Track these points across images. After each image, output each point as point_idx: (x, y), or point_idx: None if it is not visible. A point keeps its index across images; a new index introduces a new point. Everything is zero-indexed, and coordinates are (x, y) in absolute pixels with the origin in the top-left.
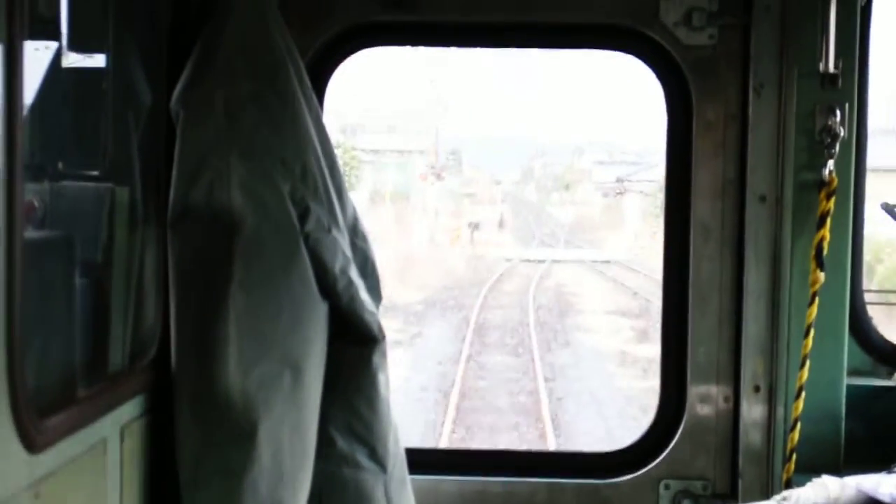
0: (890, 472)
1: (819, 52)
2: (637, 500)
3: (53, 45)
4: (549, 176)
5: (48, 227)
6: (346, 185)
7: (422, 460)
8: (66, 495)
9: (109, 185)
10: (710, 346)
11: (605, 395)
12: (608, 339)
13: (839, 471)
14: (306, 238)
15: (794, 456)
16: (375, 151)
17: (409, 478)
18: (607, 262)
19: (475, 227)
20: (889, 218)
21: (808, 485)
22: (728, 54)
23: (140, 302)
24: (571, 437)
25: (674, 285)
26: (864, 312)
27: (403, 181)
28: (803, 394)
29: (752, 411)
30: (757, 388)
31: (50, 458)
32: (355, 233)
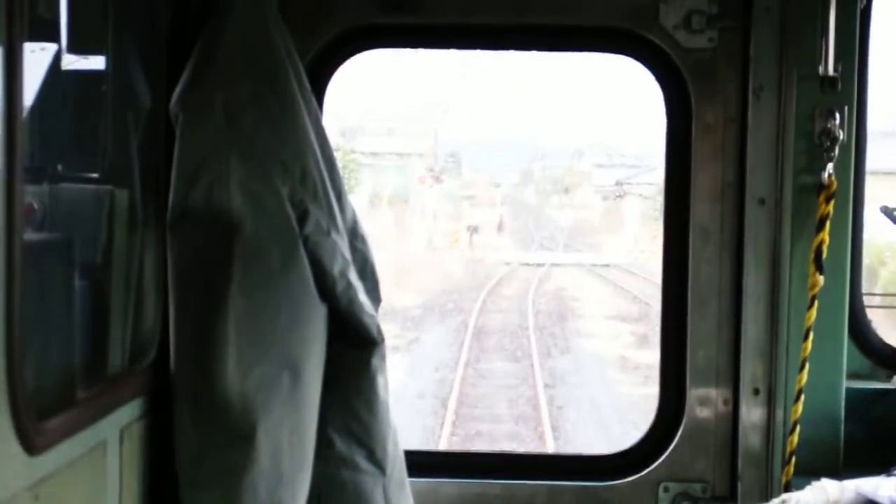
0: (889, 475)
1: (819, 54)
2: (636, 503)
3: (53, 46)
4: (548, 179)
5: (48, 229)
6: (346, 187)
7: (421, 462)
8: (65, 497)
9: (109, 186)
10: (710, 348)
11: (607, 402)
12: (609, 345)
13: (838, 474)
14: (305, 240)
15: (794, 459)
16: (374, 154)
17: (407, 480)
18: (607, 265)
19: (474, 230)
20: (888, 221)
21: (808, 488)
22: (727, 57)
23: (139, 303)
24: (572, 446)
25: (673, 288)
26: (864, 315)
27: (402, 184)
28: (802, 397)
29: (752, 414)
30: (756, 391)
31: (49, 459)
32: (354, 235)
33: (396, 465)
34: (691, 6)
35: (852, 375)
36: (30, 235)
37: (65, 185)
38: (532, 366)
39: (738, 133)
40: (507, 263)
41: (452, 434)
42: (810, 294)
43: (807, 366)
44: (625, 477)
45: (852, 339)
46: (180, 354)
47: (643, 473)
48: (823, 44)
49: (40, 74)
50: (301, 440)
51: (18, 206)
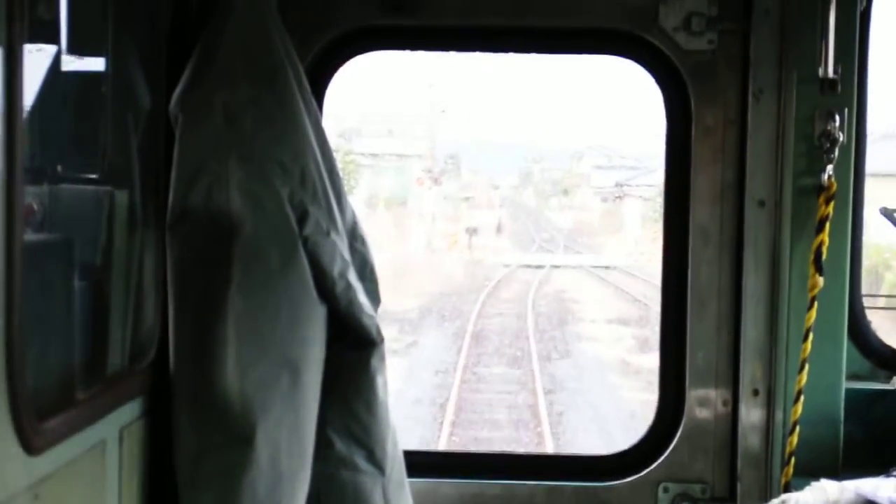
0: (888, 475)
1: (818, 57)
2: (636, 503)
3: (53, 47)
4: (547, 180)
5: (47, 229)
6: (345, 188)
7: (420, 463)
8: (65, 497)
9: (108, 187)
10: (709, 349)
11: (608, 408)
12: (609, 348)
13: (838, 474)
14: (305, 241)
15: (793, 459)
16: (374, 155)
17: (407, 480)
18: (607, 267)
19: (473, 232)
20: (888, 223)
21: (807, 488)
22: (727, 59)
23: (139, 304)
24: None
25: (673, 289)
26: (863, 317)
27: (401, 186)
28: (802, 398)
29: (751, 415)
30: (756, 392)
31: (49, 459)
32: (354, 236)
33: (396, 466)
34: (691, 8)
35: (852, 376)
36: (29, 236)
37: (64, 186)
38: (532, 370)
39: (737, 135)
40: (506, 265)
41: (449, 442)
42: (810, 295)
43: (806, 367)
44: (624, 477)
45: (852, 340)
46: (180, 355)
47: (643, 474)
48: (823, 46)
49: (40, 75)
50: (300, 440)
51: (18, 207)
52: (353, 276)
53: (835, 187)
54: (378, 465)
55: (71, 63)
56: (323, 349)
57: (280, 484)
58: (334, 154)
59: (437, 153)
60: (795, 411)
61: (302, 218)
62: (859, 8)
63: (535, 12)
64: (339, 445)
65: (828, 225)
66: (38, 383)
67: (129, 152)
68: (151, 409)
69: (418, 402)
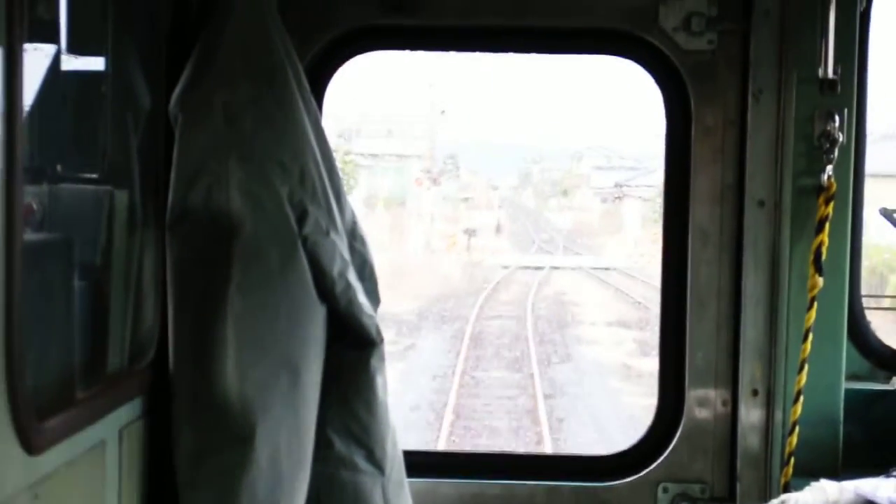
0: (888, 475)
1: (818, 57)
2: (635, 503)
3: (52, 47)
4: (547, 181)
5: (47, 229)
6: (345, 188)
7: (420, 463)
8: (64, 497)
9: (108, 187)
10: (709, 350)
11: (609, 414)
12: (610, 352)
13: (837, 475)
14: (304, 241)
15: (793, 460)
16: (373, 156)
17: (406, 480)
18: (606, 269)
19: (472, 233)
20: (888, 223)
21: (807, 489)
22: (727, 59)
23: (138, 304)
24: None
25: (672, 290)
26: (863, 317)
27: (400, 186)
28: (801, 398)
29: (751, 415)
30: (755, 392)
31: (49, 459)
32: (354, 236)
33: (395, 466)
34: (691, 8)
35: (851, 377)
36: (29, 236)
37: (64, 186)
38: (531, 375)
39: (737, 135)
40: (505, 267)
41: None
42: (809, 295)
43: (806, 367)
44: (624, 477)
45: (851, 340)
46: (179, 355)
47: (642, 474)
48: (823, 46)
49: (40, 75)
50: (300, 441)
51: (18, 207)
52: (352, 276)
53: (834, 188)
54: (378, 464)
55: (71, 63)
56: (322, 349)
57: (280, 484)
58: (333, 154)
59: (436, 153)
60: (795, 411)
61: (301, 217)
62: (859, 8)
63: (534, 12)
64: (339, 445)
65: (827, 225)
66: (38, 383)
67: (129, 152)
68: (151, 409)
69: (416, 409)
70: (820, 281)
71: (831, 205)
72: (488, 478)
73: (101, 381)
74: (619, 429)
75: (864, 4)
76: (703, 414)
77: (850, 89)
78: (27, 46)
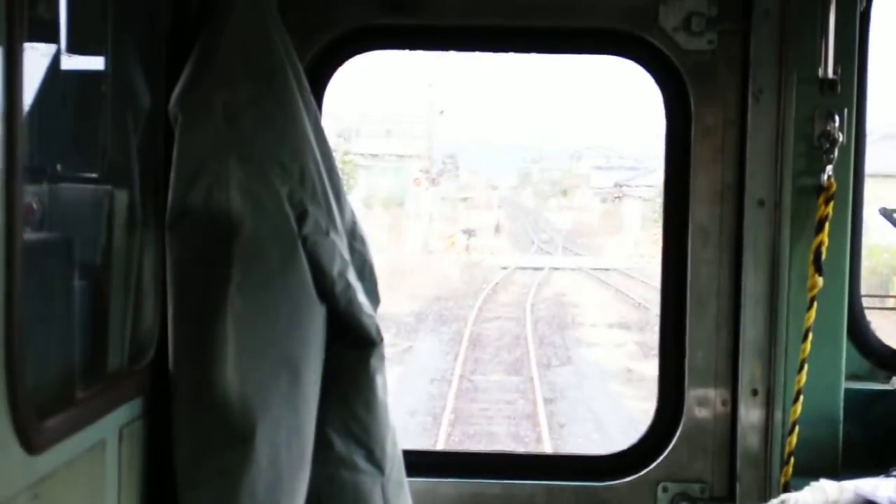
0: (888, 475)
1: (818, 57)
2: (635, 503)
3: (52, 47)
4: (546, 181)
5: (47, 228)
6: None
7: (419, 462)
8: (64, 496)
9: (108, 186)
10: (709, 349)
11: (611, 419)
12: (611, 355)
13: (837, 474)
14: (304, 241)
15: (792, 459)
16: (373, 156)
17: (406, 480)
18: (606, 269)
19: (470, 233)
20: (888, 223)
21: (807, 488)
22: (727, 59)
23: (138, 304)
24: None
25: (672, 289)
26: (863, 317)
27: (399, 186)
28: (801, 398)
29: (750, 415)
30: (755, 392)
31: (49, 459)
32: (353, 236)
33: (395, 465)
34: (691, 8)
35: (851, 376)
36: (29, 235)
37: (64, 185)
38: (531, 378)
39: (737, 135)
40: (504, 267)
41: None
42: (809, 295)
43: (805, 367)
44: (623, 477)
45: (851, 340)
46: (179, 355)
47: (642, 473)
48: (823, 46)
49: (40, 74)
50: (299, 440)
51: (18, 206)
52: (352, 276)
53: (834, 187)
54: (377, 464)
55: (70, 62)
56: (322, 349)
57: (279, 484)
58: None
59: (434, 153)
60: (795, 411)
61: (301, 217)
62: (859, 8)
63: (534, 12)
64: (339, 445)
65: (827, 225)
66: (38, 382)
67: (129, 152)
68: (151, 408)
69: (413, 415)
70: (820, 281)
71: (831, 205)
72: (488, 477)
73: (100, 381)
74: (621, 434)
75: (864, 4)
76: (702, 413)
77: (850, 89)
78: (27, 46)
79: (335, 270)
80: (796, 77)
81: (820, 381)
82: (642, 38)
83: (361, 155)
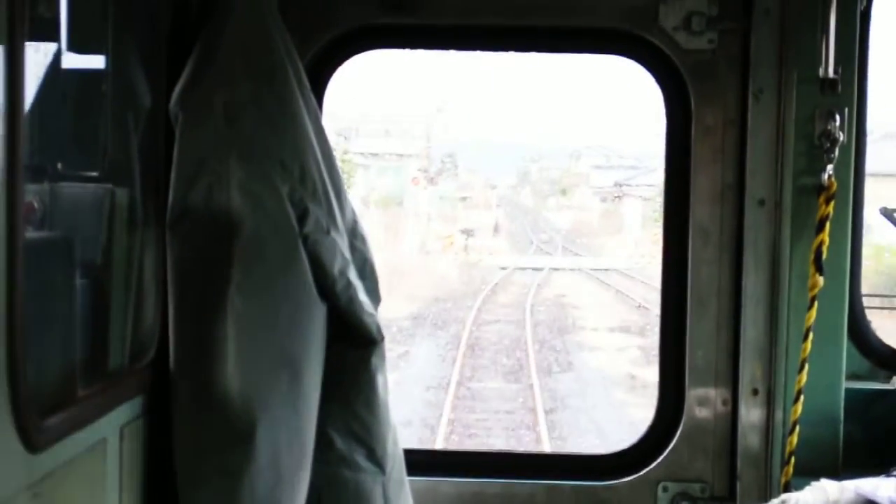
0: (888, 475)
1: (819, 56)
2: (635, 502)
3: (53, 46)
4: (545, 180)
5: (48, 227)
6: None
7: (420, 461)
8: (65, 495)
9: (109, 186)
10: (709, 349)
11: (614, 429)
12: (614, 360)
13: (838, 474)
14: (305, 239)
15: (793, 459)
16: (373, 155)
17: (407, 479)
18: (607, 270)
19: (469, 233)
20: (888, 223)
21: (807, 488)
22: (727, 59)
23: (139, 302)
24: None
25: (673, 289)
26: (863, 316)
27: (397, 186)
28: (802, 397)
29: (751, 414)
30: (755, 392)
31: (50, 457)
32: (354, 234)
33: (396, 464)
34: (691, 8)
35: (851, 376)
36: (30, 234)
37: (65, 184)
38: (531, 386)
39: (737, 135)
40: (503, 268)
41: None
42: (810, 295)
43: (806, 366)
44: (624, 476)
45: (852, 339)
46: (180, 354)
47: (642, 473)
48: (824, 45)
49: (41, 74)
50: (300, 439)
51: (19, 205)
52: (353, 275)
53: (835, 187)
54: (378, 463)
55: (71, 61)
56: (323, 348)
57: (280, 483)
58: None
59: (433, 152)
60: (795, 411)
61: (302, 216)
62: (860, 8)
63: (535, 12)
64: (340, 444)
65: (828, 225)
66: (40, 381)
67: (130, 151)
68: (152, 407)
69: (408, 424)
70: (820, 280)
71: (832, 204)
72: (488, 476)
73: (101, 380)
74: (624, 446)
75: (865, 4)
76: (703, 413)
77: (850, 88)
78: (28, 45)
79: (336, 269)
80: (797, 76)
81: (820, 380)
82: (642, 37)
83: (361, 154)
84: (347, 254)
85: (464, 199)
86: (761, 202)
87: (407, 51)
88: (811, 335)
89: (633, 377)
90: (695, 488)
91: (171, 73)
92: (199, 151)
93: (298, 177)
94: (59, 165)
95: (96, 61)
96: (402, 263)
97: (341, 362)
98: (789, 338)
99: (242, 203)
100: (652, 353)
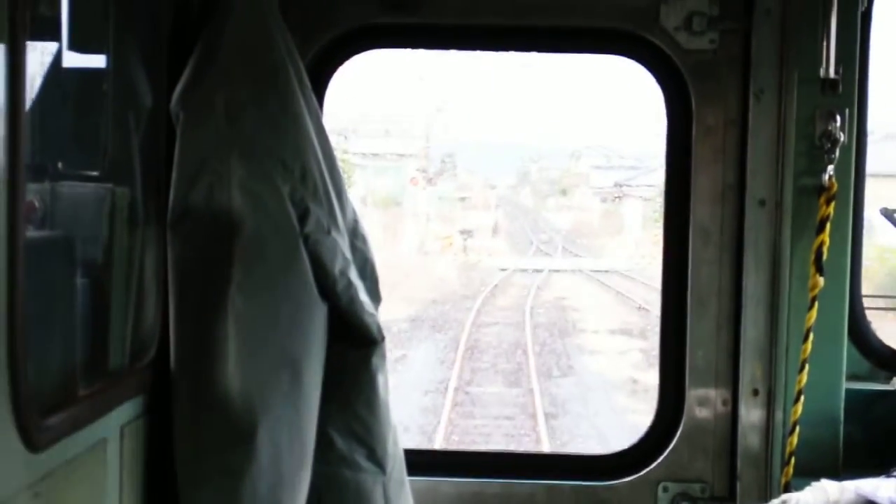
0: (889, 476)
1: (819, 57)
2: (635, 503)
3: (55, 45)
4: (545, 180)
5: (49, 227)
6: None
7: (420, 461)
8: (65, 494)
9: (110, 185)
10: (709, 349)
11: (617, 436)
12: (615, 364)
13: (838, 474)
14: (306, 239)
15: (793, 459)
16: (371, 155)
17: (407, 479)
18: (607, 271)
19: (468, 234)
20: (888, 223)
21: (807, 488)
22: (728, 59)
23: (140, 302)
24: None
25: (673, 289)
26: (863, 317)
27: (398, 186)
28: (802, 398)
29: (751, 415)
30: (756, 392)
31: (50, 457)
32: (355, 234)
33: (396, 464)
34: (692, 8)
35: (852, 377)
36: (31, 233)
37: (66, 184)
38: (531, 390)
39: (738, 135)
40: (503, 269)
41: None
42: (810, 295)
43: (806, 367)
44: (624, 477)
45: (852, 340)
46: (180, 353)
47: (642, 473)
48: (824, 46)
49: (42, 73)
50: (301, 439)
51: (20, 204)
52: (354, 274)
53: (835, 187)
54: (379, 463)
55: (73, 61)
56: (324, 347)
57: (281, 482)
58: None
59: (432, 152)
60: (795, 411)
61: (303, 216)
62: (860, 8)
63: (535, 11)
64: (340, 444)
65: (828, 225)
66: (40, 380)
67: (131, 150)
68: (152, 407)
69: (405, 431)
70: (821, 281)
71: (832, 205)
72: (488, 476)
73: (102, 379)
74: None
75: (866, 4)
76: (703, 413)
77: (851, 89)
78: (30, 44)
79: (337, 269)
80: (797, 77)
81: (821, 381)
82: (643, 37)
83: (360, 154)
84: (348, 254)
85: (463, 199)
86: (762, 202)
87: (407, 50)
88: (811, 335)
89: (634, 381)
90: (695, 488)
91: (172, 72)
92: (201, 151)
93: (299, 176)
94: (60, 165)
95: (97, 61)
96: (401, 264)
97: (342, 362)
98: (789, 338)
99: (243, 203)
100: (654, 357)
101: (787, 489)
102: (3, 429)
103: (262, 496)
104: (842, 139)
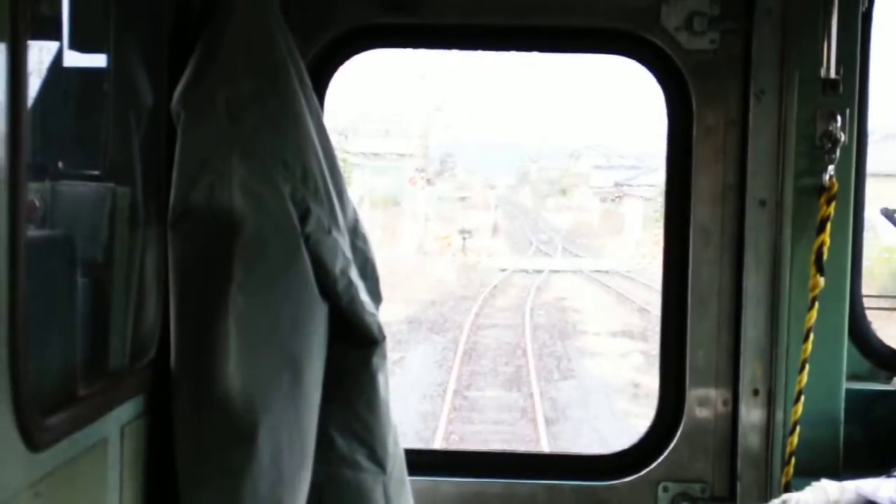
0: (889, 476)
1: (820, 57)
2: (635, 503)
3: (56, 44)
4: (544, 180)
5: (49, 226)
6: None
7: (421, 461)
8: (66, 494)
9: (110, 184)
10: (709, 349)
11: (619, 442)
12: (616, 366)
13: (838, 475)
14: (307, 239)
15: (793, 459)
16: (371, 154)
17: (408, 479)
18: (607, 272)
19: (467, 234)
20: (889, 223)
21: (808, 488)
22: (729, 59)
23: (140, 302)
24: None
25: (673, 289)
26: (864, 317)
27: (397, 186)
28: (802, 398)
29: (751, 415)
30: (756, 392)
31: (51, 456)
32: (355, 234)
33: (397, 464)
34: (693, 8)
35: (852, 377)
36: (32, 232)
37: (67, 183)
38: (531, 395)
39: (739, 135)
40: (503, 270)
41: None
42: (811, 295)
43: (807, 367)
44: (624, 477)
45: (852, 340)
46: (181, 353)
47: (642, 473)
48: (825, 46)
49: (43, 72)
50: (301, 439)
51: (21, 203)
52: (354, 274)
53: (836, 188)
54: (379, 463)
55: (74, 60)
56: (324, 347)
57: (281, 482)
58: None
59: (431, 152)
60: (796, 411)
61: (304, 215)
62: (861, 9)
63: (536, 11)
64: (341, 444)
65: (829, 225)
66: (41, 380)
67: (132, 149)
68: (153, 407)
69: (402, 436)
70: (821, 281)
71: (833, 205)
72: (489, 476)
73: (103, 379)
74: None
75: (866, 5)
76: (703, 413)
77: (851, 89)
78: (31, 43)
79: (337, 268)
80: (798, 77)
81: (821, 381)
82: (644, 37)
83: (360, 154)
84: (349, 253)
85: (462, 199)
86: (762, 203)
87: (407, 50)
88: (812, 336)
89: (636, 385)
90: (695, 488)
91: (173, 71)
92: (201, 150)
93: (300, 176)
94: (61, 164)
95: (98, 60)
96: (399, 264)
97: (342, 362)
98: (790, 338)
99: (244, 202)
100: (654, 359)
101: (787, 489)
102: (3, 429)
103: (262, 496)
104: (842, 139)
